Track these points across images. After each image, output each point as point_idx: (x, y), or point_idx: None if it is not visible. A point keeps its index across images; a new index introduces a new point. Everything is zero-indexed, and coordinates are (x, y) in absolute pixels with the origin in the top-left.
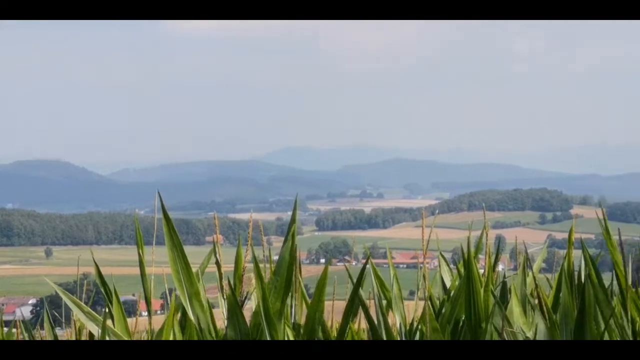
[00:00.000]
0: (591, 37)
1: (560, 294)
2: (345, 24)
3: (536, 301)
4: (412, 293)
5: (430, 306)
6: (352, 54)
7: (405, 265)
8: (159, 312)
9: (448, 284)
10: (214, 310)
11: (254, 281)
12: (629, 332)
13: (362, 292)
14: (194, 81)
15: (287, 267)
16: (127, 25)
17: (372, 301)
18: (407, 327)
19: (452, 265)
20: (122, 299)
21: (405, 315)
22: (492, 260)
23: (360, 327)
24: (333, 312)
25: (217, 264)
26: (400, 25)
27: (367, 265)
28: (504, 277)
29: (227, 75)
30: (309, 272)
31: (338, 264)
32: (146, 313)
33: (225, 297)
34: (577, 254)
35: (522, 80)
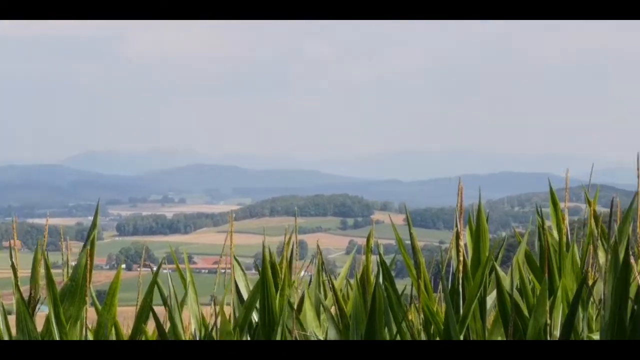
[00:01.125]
0: (388, 43)
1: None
2: (159, 26)
3: (332, 307)
4: (212, 298)
5: (226, 310)
6: (162, 56)
7: (207, 270)
8: None
9: (242, 289)
10: (10, 316)
11: None
12: (423, 334)
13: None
14: None
15: (84, 272)
16: None
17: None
18: (202, 331)
19: (253, 270)
20: None
21: (200, 319)
22: (291, 265)
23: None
24: (143, 316)
25: (13, 268)
26: (212, 27)
27: (165, 270)
28: (310, 282)
29: (28, 75)
30: (109, 277)
31: (138, 269)
32: None
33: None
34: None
35: (322, 86)
